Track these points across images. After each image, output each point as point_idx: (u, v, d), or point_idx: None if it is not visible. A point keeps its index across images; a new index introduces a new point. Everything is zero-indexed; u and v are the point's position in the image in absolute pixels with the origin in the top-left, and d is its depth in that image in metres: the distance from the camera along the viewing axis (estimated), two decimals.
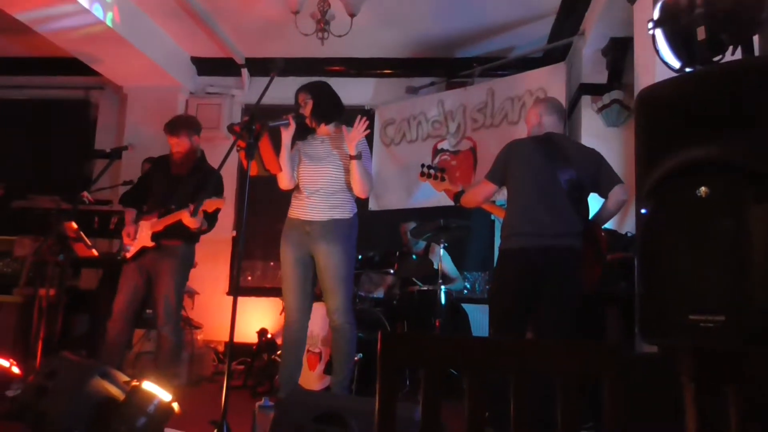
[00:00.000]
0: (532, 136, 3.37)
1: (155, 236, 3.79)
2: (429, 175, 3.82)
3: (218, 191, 3.68)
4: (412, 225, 5.23)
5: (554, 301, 3.05)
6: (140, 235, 3.85)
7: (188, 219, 3.60)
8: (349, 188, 3.54)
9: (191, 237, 3.85)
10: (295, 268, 3.47)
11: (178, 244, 3.83)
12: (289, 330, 3.46)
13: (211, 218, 3.76)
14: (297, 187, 3.57)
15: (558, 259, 3.06)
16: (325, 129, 3.58)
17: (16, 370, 3.51)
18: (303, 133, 3.58)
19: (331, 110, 3.58)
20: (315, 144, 3.58)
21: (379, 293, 5.23)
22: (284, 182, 3.53)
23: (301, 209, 3.51)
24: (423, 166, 3.87)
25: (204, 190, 3.46)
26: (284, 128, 3.43)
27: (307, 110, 3.52)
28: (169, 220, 3.73)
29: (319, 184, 3.48)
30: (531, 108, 3.53)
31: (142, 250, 3.83)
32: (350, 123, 3.47)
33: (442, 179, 3.78)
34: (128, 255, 3.87)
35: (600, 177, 3.21)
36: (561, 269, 3.06)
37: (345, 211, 3.50)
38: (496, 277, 3.32)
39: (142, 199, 4.03)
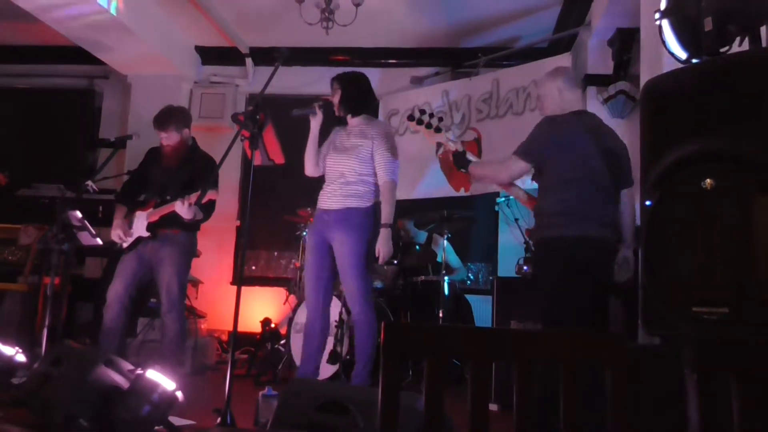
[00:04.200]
0: (572, 114, 2.99)
1: (151, 227, 3.79)
2: (420, 122, 3.30)
3: (214, 182, 3.67)
4: (409, 223, 5.35)
5: (605, 293, 2.92)
6: (136, 226, 3.86)
7: (181, 209, 3.61)
8: (370, 180, 3.50)
9: (190, 225, 3.85)
10: (312, 254, 3.53)
11: (176, 233, 3.83)
12: (308, 319, 3.51)
13: (206, 208, 3.76)
14: (323, 177, 3.64)
15: (608, 250, 2.90)
16: (352, 120, 3.61)
17: (21, 357, 3.53)
18: (337, 120, 3.67)
19: (357, 103, 3.60)
20: (342, 134, 3.63)
21: (382, 283, 5.24)
22: (308, 168, 3.65)
23: (322, 199, 3.57)
24: (413, 109, 3.64)
25: (203, 181, 3.43)
26: (312, 116, 3.55)
27: (335, 99, 3.60)
28: (164, 210, 3.74)
29: (338, 174, 3.51)
30: (546, 81, 3.10)
31: (140, 240, 3.84)
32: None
33: (437, 129, 3.28)
34: (125, 246, 3.88)
35: (621, 170, 2.98)
36: (609, 261, 2.91)
37: (362, 200, 3.47)
38: (557, 269, 2.84)
39: (138, 190, 4.03)
